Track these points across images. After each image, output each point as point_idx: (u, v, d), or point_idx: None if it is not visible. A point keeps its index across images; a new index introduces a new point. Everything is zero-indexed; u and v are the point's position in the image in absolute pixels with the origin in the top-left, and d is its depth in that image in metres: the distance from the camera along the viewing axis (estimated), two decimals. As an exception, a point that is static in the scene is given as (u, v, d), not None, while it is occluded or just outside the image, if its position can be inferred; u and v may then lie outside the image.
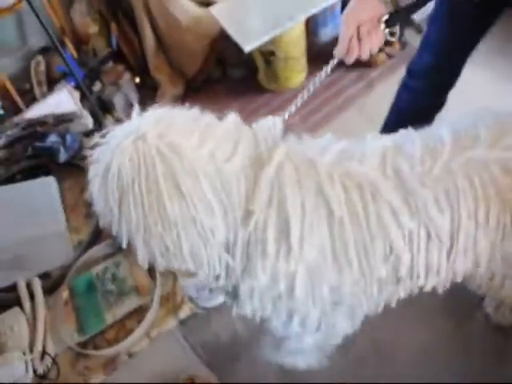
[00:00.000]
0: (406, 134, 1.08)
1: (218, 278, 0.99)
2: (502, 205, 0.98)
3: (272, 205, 0.92)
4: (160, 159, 0.84)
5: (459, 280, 1.10)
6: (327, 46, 2.75)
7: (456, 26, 1.53)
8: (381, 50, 2.63)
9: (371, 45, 1.14)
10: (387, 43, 2.68)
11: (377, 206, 0.96)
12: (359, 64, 2.59)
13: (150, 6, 2.49)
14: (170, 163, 0.84)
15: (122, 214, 0.86)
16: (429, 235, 0.99)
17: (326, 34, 2.72)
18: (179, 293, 1.13)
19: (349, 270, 0.98)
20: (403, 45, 2.68)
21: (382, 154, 1.02)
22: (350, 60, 1.17)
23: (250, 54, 2.34)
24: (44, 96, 2.54)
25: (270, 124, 1.02)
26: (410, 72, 1.70)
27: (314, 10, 2.28)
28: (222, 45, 2.55)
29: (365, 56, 1.16)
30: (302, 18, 2.30)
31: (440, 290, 1.12)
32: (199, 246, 0.89)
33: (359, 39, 1.14)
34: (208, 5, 2.52)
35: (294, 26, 2.30)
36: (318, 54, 2.67)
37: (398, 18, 1.15)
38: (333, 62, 1.18)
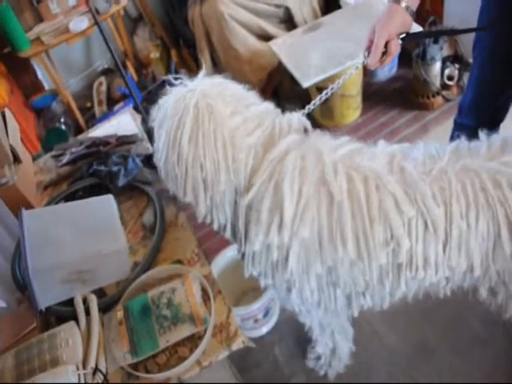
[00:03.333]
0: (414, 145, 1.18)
1: (224, 228, 1.15)
2: (491, 214, 1.05)
3: (271, 182, 1.05)
4: (194, 111, 1.03)
5: (457, 281, 1.16)
6: (383, 85, 2.76)
7: (494, 65, 1.61)
8: (438, 94, 2.62)
9: (392, 53, 1.26)
10: (445, 86, 2.67)
11: (379, 194, 1.05)
12: (415, 106, 2.61)
13: (211, 35, 2.57)
14: (200, 117, 1.03)
15: (158, 139, 1.09)
16: (426, 225, 1.06)
17: (382, 74, 2.73)
18: (233, 324, 1.12)
19: (344, 251, 1.06)
20: (461, 89, 2.66)
21: (390, 155, 1.13)
22: (372, 67, 1.30)
23: (306, 88, 2.37)
24: (104, 114, 2.64)
25: (293, 117, 1.14)
26: (459, 109, 1.83)
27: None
28: (278, 78, 2.59)
29: (384, 63, 1.29)
30: (362, 57, 2.31)
31: (441, 293, 1.20)
32: (199, 188, 1.06)
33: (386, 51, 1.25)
34: (267, 39, 2.58)
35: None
36: (374, 93, 2.68)
37: (416, 36, 1.29)
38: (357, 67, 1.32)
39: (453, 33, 1.52)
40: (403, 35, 1.24)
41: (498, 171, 1.06)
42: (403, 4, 1.21)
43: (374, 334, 1.77)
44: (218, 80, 1.13)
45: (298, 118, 1.14)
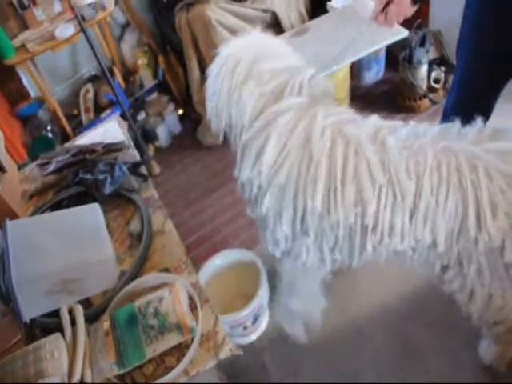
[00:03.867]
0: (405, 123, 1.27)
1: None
2: (461, 195, 1.10)
3: (264, 130, 1.22)
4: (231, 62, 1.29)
5: (422, 254, 1.23)
6: (370, 88, 2.77)
7: (476, 67, 1.64)
8: (425, 96, 2.64)
9: (399, 12, 1.37)
10: (431, 89, 2.69)
11: (356, 159, 1.16)
12: (402, 109, 2.62)
13: (198, 41, 2.56)
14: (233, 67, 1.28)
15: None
16: (395, 195, 1.14)
17: (370, 77, 2.74)
18: (221, 332, 1.11)
19: (313, 204, 1.18)
20: (447, 91, 2.68)
21: (377, 127, 1.23)
22: (380, 22, 1.41)
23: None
24: (91, 122, 2.62)
25: (310, 78, 1.27)
26: (443, 111, 1.87)
27: (360, 55, 2.30)
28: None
29: (392, 21, 1.39)
30: (348, 61, 2.32)
31: (409, 264, 1.27)
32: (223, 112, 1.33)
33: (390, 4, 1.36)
34: (255, 44, 2.58)
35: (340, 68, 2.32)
36: (361, 96, 2.69)
37: None
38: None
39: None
40: None
41: (477, 155, 1.10)
42: None
43: (363, 336, 1.78)
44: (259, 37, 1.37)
45: (314, 80, 1.27)
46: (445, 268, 1.30)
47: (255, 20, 2.64)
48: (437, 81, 2.71)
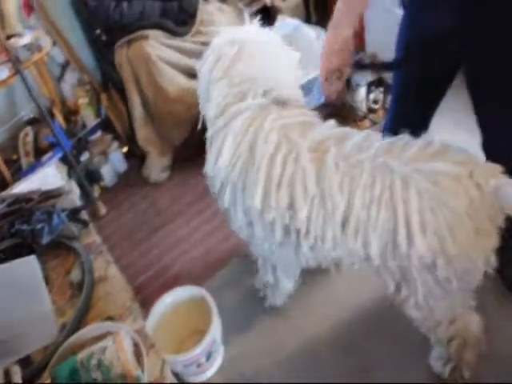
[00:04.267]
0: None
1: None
2: (392, 212, 1.15)
3: (223, 130, 1.36)
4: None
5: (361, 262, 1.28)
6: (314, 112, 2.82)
7: (406, 90, 1.71)
8: (365, 117, 2.71)
9: (337, 88, 1.48)
10: (371, 110, 2.76)
11: (295, 166, 1.24)
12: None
13: (140, 78, 2.55)
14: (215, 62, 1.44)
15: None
16: (325, 207, 1.21)
17: (312, 102, 2.79)
18: (168, 378, 1.09)
19: (253, 202, 1.28)
20: (387, 111, 2.76)
21: (324, 136, 1.30)
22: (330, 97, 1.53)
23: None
24: (31, 166, 2.56)
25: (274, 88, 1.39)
26: (382, 130, 1.88)
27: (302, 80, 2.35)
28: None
29: (331, 97, 1.52)
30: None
31: (351, 265, 1.32)
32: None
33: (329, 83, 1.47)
34: (196, 77, 2.59)
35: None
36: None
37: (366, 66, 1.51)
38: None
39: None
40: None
41: (410, 175, 1.15)
42: (349, 32, 1.40)
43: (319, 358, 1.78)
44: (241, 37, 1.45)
45: (278, 90, 1.39)
46: (398, 286, 1.31)
47: (195, 53, 2.65)
48: (376, 101, 2.80)
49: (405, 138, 1.26)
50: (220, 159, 1.34)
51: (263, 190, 1.28)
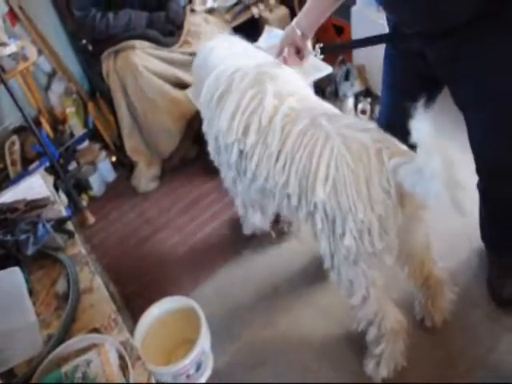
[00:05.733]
0: None
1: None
2: (309, 160, 1.36)
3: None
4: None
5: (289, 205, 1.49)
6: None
7: (396, 91, 1.76)
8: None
9: (294, 62, 1.66)
10: (358, 121, 2.78)
11: (258, 103, 1.50)
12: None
13: (127, 88, 2.55)
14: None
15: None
16: (267, 141, 1.46)
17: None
18: (153, 390, 1.08)
19: (219, 123, 1.59)
20: (374, 121, 2.78)
21: (291, 91, 1.55)
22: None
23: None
24: (18, 175, 2.54)
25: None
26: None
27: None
28: (197, 125, 2.59)
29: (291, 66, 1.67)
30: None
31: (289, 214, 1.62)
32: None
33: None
34: (184, 87, 2.59)
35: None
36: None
37: (330, 49, 1.66)
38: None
39: (364, 44, 1.77)
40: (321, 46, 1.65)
41: (331, 135, 1.34)
42: (293, 23, 1.62)
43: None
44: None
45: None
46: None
47: (183, 63, 2.66)
48: (363, 112, 2.81)
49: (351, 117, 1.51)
50: (204, 90, 1.71)
51: (231, 116, 1.54)
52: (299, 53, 1.66)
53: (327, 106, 1.57)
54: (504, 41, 1.33)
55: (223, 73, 1.65)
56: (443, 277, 1.71)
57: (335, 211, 1.34)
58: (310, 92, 1.68)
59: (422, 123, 1.10)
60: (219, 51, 1.82)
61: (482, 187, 1.71)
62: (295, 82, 1.65)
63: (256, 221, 2.12)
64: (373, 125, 1.43)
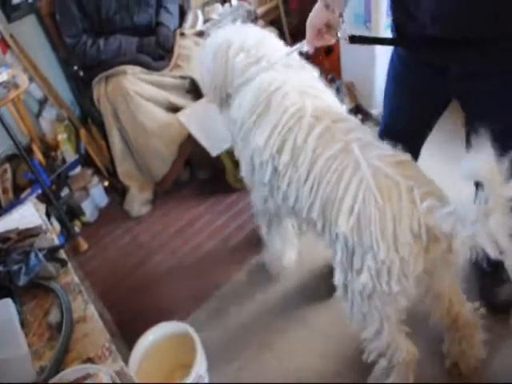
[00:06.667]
0: None
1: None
2: (336, 187, 1.33)
3: (243, 88, 1.68)
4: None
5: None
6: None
7: (399, 105, 1.70)
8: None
9: (325, 41, 1.57)
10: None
11: (296, 122, 1.47)
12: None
13: (119, 113, 2.56)
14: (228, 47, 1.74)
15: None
16: (299, 160, 1.44)
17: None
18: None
19: (259, 139, 1.55)
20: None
21: (327, 111, 1.50)
22: (311, 48, 1.63)
23: (217, 156, 2.40)
24: (10, 203, 2.53)
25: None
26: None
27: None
28: (189, 148, 2.61)
29: (320, 45, 1.61)
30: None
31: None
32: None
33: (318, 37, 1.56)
34: (176, 110, 2.61)
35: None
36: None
37: (359, 39, 1.55)
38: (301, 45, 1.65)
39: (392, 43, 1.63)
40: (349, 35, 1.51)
41: (361, 165, 1.30)
42: (322, 3, 1.48)
43: None
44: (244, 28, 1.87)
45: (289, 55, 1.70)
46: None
47: (174, 87, 2.68)
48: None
49: (385, 145, 1.40)
50: (242, 109, 1.64)
51: (268, 133, 1.51)
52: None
53: (363, 129, 1.50)
54: None
55: (261, 92, 1.59)
56: (473, 319, 1.61)
57: (356, 245, 1.29)
58: (344, 111, 1.63)
59: (484, 159, 0.99)
60: (240, 57, 1.70)
61: None
62: (332, 100, 1.63)
63: (278, 250, 2.10)
64: (406, 157, 1.36)
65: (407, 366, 1.55)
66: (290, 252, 2.13)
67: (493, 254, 1.05)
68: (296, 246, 2.13)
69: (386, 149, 1.38)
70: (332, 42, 1.57)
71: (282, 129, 1.49)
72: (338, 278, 1.44)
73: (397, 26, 1.50)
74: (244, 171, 1.79)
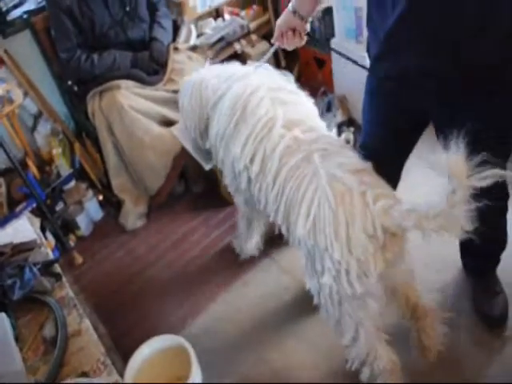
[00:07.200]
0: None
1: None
2: (296, 193, 1.41)
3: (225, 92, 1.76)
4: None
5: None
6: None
7: (373, 139, 1.74)
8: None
9: (292, 43, 1.68)
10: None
11: (267, 132, 1.55)
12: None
13: (113, 127, 2.57)
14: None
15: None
16: (265, 168, 1.53)
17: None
18: None
19: (236, 148, 1.64)
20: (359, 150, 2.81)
21: (297, 121, 1.59)
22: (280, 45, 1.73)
23: (211, 169, 2.41)
24: (4, 217, 2.52)
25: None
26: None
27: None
28: (183, 161, 2.62)
29: (288, 47, 1.72)
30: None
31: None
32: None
33: (285, 39, 1.68)
34: (169, 124, 2.62)
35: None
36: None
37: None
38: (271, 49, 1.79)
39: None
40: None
41: (319, 172, 1.37)
42: (290, 8, 1.60)
43: None
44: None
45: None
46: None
47: (167, 101, 2.70)
48: (347, 141, 2.85)
49: (350, 154, 1.48)
50: (221, 119, 1.71)
51: (244, 142, 1.58)
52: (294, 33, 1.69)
53: (332, 139, 1.57)
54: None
55: (238, 97, 1.67)
56: (431, 307, 1.69)
57: (315, 248, 1.36)
58: (319, 121, 1.72)
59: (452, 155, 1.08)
60: (212, 82, 1.83)
61: None
62: (307, 109, 1.72)
63: (252, 243, 2.25)
64: (365, 165, 1.43)
65: (391, 374, 1.57)
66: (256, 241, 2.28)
67: (459, 236, 1.15)
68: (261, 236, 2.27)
69: (348, 157, 1.45)
70: (300, 44, 1.70)
71: (255, 139, 1.57)
72: (309, 284, 1.51)
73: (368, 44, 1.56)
74: (227, 178, 1.87)
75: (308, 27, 1.65)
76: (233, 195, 1.99)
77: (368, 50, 1.55)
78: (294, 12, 1.59)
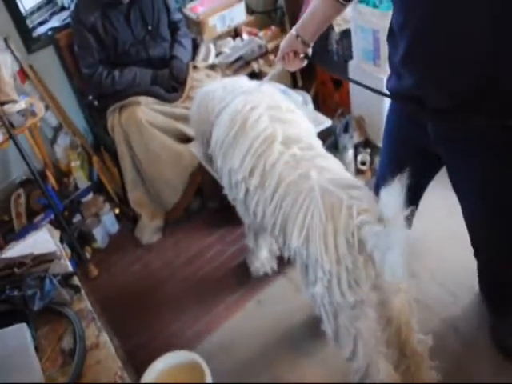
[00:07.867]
0: None
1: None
2: (292, 206, 1.47)
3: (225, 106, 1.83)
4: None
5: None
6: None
7: (393, 154, 1.70)
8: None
9: (294, 65, 1.70)
10: (359, 171, 2.82)
11: (266, 148, 1.60)
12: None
13: (132, 142, 2.61)
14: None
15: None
16: (265, 182, 1.58)
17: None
18: None
19: (232, 162, 1.71)
20: (375, 171, 2.82)
21: (296, 139, 1.64)
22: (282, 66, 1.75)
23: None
24: (23, 227, 2.56)
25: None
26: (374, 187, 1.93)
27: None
28: (200, 178, 2.64)
29: (290, 69, 1.74)
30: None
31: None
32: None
33: (287, 60, 1.69)
34: (187, 141, 2.65)
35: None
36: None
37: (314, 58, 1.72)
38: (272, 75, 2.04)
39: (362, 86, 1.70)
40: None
41: (313, 188, 1.42)
42: (294, 32, 1.62)
43: None
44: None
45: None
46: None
47: (186, 118, 2.73)
48: (363, 163, 2.86)
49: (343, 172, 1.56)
50: (221, 127, 1.77)
51: (243, 156, 1.63)
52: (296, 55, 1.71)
53: (327, 157, 1.64)
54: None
55: (238, 111, 1.74)
56: (420, 350, 1.64)
57: (308, 259, 1.43)
58: (316, 139, 1.76)
59: (390, 196, 1.15)
60: (218, 93, 1.92)
61: (477, 258, 1.74)
62: (304, 127, 1.76)
63: (263, 258, 2.28)
64: (361, 183, 1.48)
65: None
66: (270, 260, 2.32)
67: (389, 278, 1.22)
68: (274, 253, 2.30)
69: (342, 174, 1.54)
70: (300, 66, 1.72)
71: (254, 154, 1.62)
72: (305, 295, 1.56)
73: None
74: (225, 188, 1.91)
75: (310, 51, 1.69)
76: (233, 204, 2.01)
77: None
78: (297, 36, 1.62)
